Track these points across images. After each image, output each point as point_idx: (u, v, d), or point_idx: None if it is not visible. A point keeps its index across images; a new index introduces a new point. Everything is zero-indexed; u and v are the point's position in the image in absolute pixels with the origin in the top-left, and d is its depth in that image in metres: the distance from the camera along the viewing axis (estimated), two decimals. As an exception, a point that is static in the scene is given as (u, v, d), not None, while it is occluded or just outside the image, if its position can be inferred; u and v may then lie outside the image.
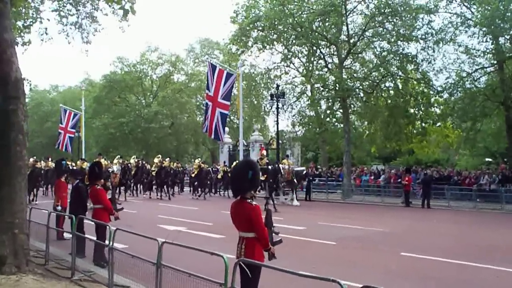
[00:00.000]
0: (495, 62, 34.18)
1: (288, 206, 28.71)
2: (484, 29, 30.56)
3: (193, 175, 36.65)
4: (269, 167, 28.08)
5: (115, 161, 31.37)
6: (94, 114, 62.94)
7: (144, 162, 38.55)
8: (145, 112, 62.21)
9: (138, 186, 37.67)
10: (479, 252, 13.99)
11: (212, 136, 26.97)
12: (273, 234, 6.87)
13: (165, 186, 34.62)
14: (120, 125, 60.76)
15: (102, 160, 27.67)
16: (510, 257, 13.15)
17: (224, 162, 40.85)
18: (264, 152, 29.70)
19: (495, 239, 16.95)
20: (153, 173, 35.25)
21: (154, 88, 68.12)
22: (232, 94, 40.21)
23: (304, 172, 33.47)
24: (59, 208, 14.70)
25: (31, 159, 29.45)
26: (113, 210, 11.81)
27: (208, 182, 36.98)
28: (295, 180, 30.30)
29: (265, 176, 25.52)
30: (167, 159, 37.83)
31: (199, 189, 35.69)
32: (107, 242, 9.17)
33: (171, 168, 35.94)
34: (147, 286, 8.03)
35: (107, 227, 9.45)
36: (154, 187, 36.05)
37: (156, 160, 36.08)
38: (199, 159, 39.97)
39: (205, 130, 26.89)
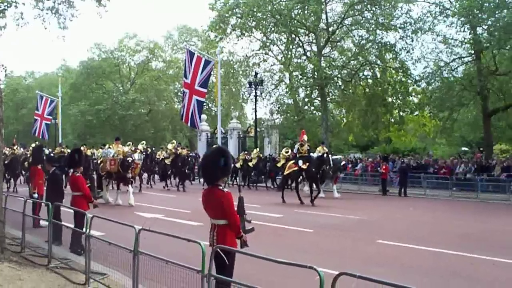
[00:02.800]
0: (473, 52, 34.46)
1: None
2: (462, 19, 30.78)
3: (168, 161, 33.18)
4: (312, 154, 25.14)
5: (140, 147, 28.23)
6: (71, 100, 62.46)
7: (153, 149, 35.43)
8: (123, 99, 61.88)
9: (149, 176, 35.07)
10: (455, 239, 14.10)
11: (189, 124, 26.77)
12: (245, 222, 6.85)
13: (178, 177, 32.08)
14: (97, 112, 60.39)
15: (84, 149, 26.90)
16: (484, 244, 13.29)
17: (245, 151, 38.53)
18: (305, 137, 26.10)
19: (470, 227, 17.12)
20: (167, 161, 32.66)
21: (131, 75, 67.72)
22: (210, 81, 40.11)
23: (343, 163, 30.96)
24: (35, 195, 14.54)
25: (7, 148, 29.04)
26: (92, 198, 11.72)
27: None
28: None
29: (307, 164, 23.54)
30: (179, 145, 34.68)
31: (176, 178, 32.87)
32: (84, 229, 9.09)
33: (189, 156, 33.07)
34: (124, 273, 7.96)
35: (85, 214, 9.37)
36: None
37: (170, 146, 33.96)
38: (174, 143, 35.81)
39: (181, 118, 26.66)
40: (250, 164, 34.40)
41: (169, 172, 33.06)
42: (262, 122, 46.68)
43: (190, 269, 6.04)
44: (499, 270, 10.39)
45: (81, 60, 66.32)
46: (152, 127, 64.04)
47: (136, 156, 25.38)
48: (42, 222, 12.96)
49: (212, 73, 29.89)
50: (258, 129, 41.08)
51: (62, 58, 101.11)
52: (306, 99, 41.47)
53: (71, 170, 12.11)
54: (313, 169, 23.42)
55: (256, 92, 38.12)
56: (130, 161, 23.35)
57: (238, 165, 34.02)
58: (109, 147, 26.04)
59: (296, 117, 42.00)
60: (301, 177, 24.63)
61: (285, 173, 25.11)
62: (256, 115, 39.82)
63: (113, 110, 61.01)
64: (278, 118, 46.37)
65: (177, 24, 71.58)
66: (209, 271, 5.75)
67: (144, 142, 31.17)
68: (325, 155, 24.14)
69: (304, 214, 19.78)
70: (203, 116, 48.93)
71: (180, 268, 6.23)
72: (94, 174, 22.22)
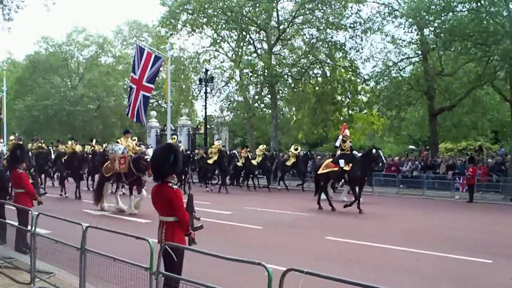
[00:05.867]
0: (420, 52, 35.11)
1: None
2: (410, 20, 31.23)
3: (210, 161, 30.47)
4: (355, 152, 21.93)
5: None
6: (16, 95, 60.84)
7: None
8: (71, 95, 60.64)
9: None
10: (402, 235, 14.35)
11: (134, 119, 26.36)
12: (194, 219, 6.83)
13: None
14: (44, 107, 58.99)
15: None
16: (429, 240, 13.56)
17: (247, 147, 35.69)
18: (347, 131, 22.54)
19: (416, 223, 17.44)
20: (210, 161, 30.26)
21: (80, 70, 66.40)
22: (160, 78, 39.81)
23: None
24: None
25: None
26: (36, 194, 11.47)
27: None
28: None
29: (350, 165, 20.02)
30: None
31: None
32: (29, 227, 8.90)
33: (234, 154, 31.71)
34: (71, 272, 7.84)
35: (30, 212, 9.17)
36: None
37: (216, 143, 31.76)
38: (219, 141, 33.85)
39: (127, 114, 26.28)
40: (254, 162, 31.94)
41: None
42: (212, 119, 46.62)
43: (138, 267, 5.98)
44: (443, 265, 10.62)
45: (28, 53, 64.76)
46: (101, 123, 63.11)
47: (150, 152, 20.58)
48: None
49: (162, 69, 29.55)
50: (208, 126, 41.02)
51: (7, 51, 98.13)
52: (256, 97, 41.58)
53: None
54: (359, 172, 19.87)
55: (206, 89, 38.04)
56: (147, 159, 18.45)
57: (239, 163, 31.72)
58: (117, 142, 21.29)
59: (246, 115, 42.01)
60: (342, 179, 21.36)
61: (319, 172, 21.43)
62: (206, 112, 39.79)
63: (61, 105, 59.72)
64: (228, 115, 46.42)
65: (127, 19, 70.70)
66: (158, 268, 5.71)
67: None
68: (374, 150, 20.19)
69: (253, 211, 19.83)
70: (153, 113, 48.61)
71: (128, 265, 6.17)
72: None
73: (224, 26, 39.42)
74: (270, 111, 41.89)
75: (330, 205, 20.25)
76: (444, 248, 12.12)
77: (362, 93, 42.15)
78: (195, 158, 30.82)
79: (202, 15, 38.75)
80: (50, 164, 28.52)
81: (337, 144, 21.49)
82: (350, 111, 41.42)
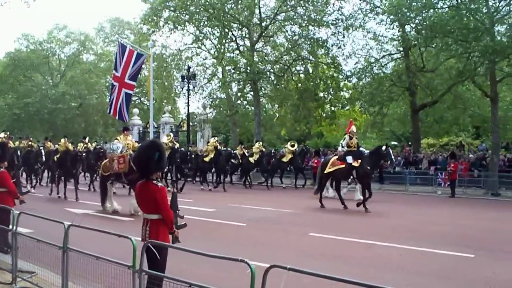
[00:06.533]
0: (401, 49, 35.37)
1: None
2: (391, 17, 31.36)
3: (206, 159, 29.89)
4: (362, 149, 21.34)
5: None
6: (-3, 93, 60.48)
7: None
8: (52, 93, 60.24)
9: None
10: (385, 231, 14.42)
11: (117, 117, 26.12)
12: (178, 217, 6.81)
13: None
14: (25, 105, 58.52)
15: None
16: (413, 235, 13.65)
17: (242, 144, 34.96)
18: (354, 128, 21.43)
19: (399, 218, 17.54)
20: (207, 158, 29.57)
21: (62, 68, 65.92)
22: (143, 75, 39.59)
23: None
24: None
25: None
26: (18, 193, 11.36)
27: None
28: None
29: (359, 161, 19.42)
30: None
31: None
32: (10, 226, 8.82)
33: (235, 154, 30.82)
34: (54, 271, 7.78)
35: (11, 211, 9.08)
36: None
37: (212, 140, 31.29)
38: (215, 138, 33.18)
39: (109, 111, 26.03)
40: (251, 159, 31.66)
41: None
42: (195, 117, 46.45)
43: (121, 265, 5.95)
44: (426, 260, 10.71)
45: (8, 51, 64.09)
46: (83, 121, 62.67)
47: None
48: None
49: (144, 66, 29.43)
50: (190, 124, 40.88)
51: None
52: (239, 94, 41.57)
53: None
54: (368, 168, 19.43)
55: (188, 86, 37.90)
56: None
57: (236, 161, 30.95)
58: (116, 140, 20.42)
59: (228, 112, 41.99)
60: (351, 177, 20.72)
61: (326, 171, 20.55)
62: (188, 109, 39.66)
63: (42, 103, 59.29)
64: (210, 112, 46.27)
65: (109, 16, 70.28)
66: (140, 266, 5.69)
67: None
68: (383, 147, 19.74)
69: (237, 209, 19.82)
70: (135, 110, 48.36)
71: (111, 264, 6.14)
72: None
73: (206, 23, 39.33)
74: (253, 108, 41.92)
75: (342, 203, 19.89)
76: (427, 243, 12.21)
77: (345, 89, 42.40)
78: (192, 155, 29.93)
79: (184, 12, 38.64)
80: (40, 163, 27.53)
81: (344, 143, 20.58)
82: (332, 108, 41.63)
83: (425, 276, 9.45)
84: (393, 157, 20.45)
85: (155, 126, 40.64)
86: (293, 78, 41.03)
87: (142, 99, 61.16)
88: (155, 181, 6.56)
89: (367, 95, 35.97)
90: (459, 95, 35.27)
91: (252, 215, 17.59)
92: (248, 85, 39.84)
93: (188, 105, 38.74)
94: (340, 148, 21.31)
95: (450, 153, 28.64)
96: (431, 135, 44.06)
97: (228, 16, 38.12)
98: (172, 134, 31.11)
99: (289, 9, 38.12)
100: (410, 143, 40.45)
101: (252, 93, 41.00)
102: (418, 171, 31.14)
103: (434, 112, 38.01)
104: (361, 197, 20.10)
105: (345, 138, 20.74)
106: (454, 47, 29.44)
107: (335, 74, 39.79)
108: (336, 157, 20.65)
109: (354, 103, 40.18)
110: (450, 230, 14.78)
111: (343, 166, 19.68)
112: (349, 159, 19.42)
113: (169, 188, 12.56)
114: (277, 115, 48.83)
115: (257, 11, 38.46)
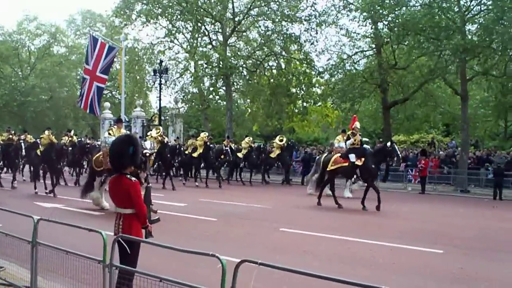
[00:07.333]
0: (374, 46, 35.53)
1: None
2: (364, 14, 31.48)
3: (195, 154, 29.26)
4: (366, 146, 20.06)
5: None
6: (-36, 85, 59.41)
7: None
8: (22, 85, 59.36)
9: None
10: (355, 227, 14.53)
11: (88, 110, 25.78)
12: (151, 212, 6.77)
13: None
14: (-6, 98, 57.71)
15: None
16: (383, 231, 13.77)
17: (228, 138, 33.18)
18: (358, 124, 20.32)
19: (369, 214, 17.67)
20: (195, 154, 28.94)
21: (32, 60, 64.92)
22: (114, 68, 39.27)
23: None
24: None
25: None
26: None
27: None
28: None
29: (362, 159, 18.67)
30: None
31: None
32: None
33: (227, 151, 29.23)
34: (23, 266, 7.69)
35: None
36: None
37: (202, 135, 29.94)
38: (205, 133, 31.65)
39: (80, 105, 25.69)
40: (240, 154, 30.90)
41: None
42: (167, 111, 46.28)
43: (91, 259, 5.90)
44: (395, 255, 10.80)
45: (-24, 42, 63.06)
46: (53, 114, 61.82)
47: (148, 145, 19.39)
48: None
49: (116, 60, 29.14)
50: (162, 118, 40.67)
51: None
52: (211, 88, 41.43)
53: None
54: (373, 166, 18.77)
55: (160, 80, 37.68)
56: (146, 154, 17.12)
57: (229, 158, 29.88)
58: (109, 133, 17.92)
59: (200, 106, 41.92)
60: (354, 175, 20.02)
61: (328, 169, 19.67)
62: (160, 104, 39.48)
63: (12, 96, 58.39)
64: (182, 107, 46.06)
65: (80, 8, 69.50)
66: (111, 261, 5.64)
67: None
68: (388, 144, 19.07)
69: (208, 203, 19.80)
70: (107, 104, 47.88)
71: (81, 258, 6.08)
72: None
73: (179, 17, 39.16)
74: (225, 103, 41.88)
75: (336, 202, 19.23)
76: (397, 239, 12.36)
77: (317, 85, 42.45)
78: (181, 149, 29.12)
79: (157, 5, 38.44)
80: (20, 157, 26.17)
81: (349, 142, 19.18)
82: (304, 104, 41.70)
83: (395, 271, 9.51)
84: (399, 153, 19.66)
85: (127, 120, 40.32)
86: (266, 73, 41.03)
87: (113, 92, 60.69)
88: (128, 175, 6.50)
89: (339, 92, 36.06)
90: (430, 93, 35.58)
91: (222, 210, 17.59)
92: (221, 80, 39.77)
93: (160, 99, 38.59)
94: (336, 145, 21.13)
95: (420, 150, 29.00)
96: (402, 132, 44.39)
97: (201, 10, 37.98)
98: (161, 128, 29.65)
99: (263, 4, 38.10)
100: (381, 139, 40.67)
101: (224, 88, 40.95)
102: (388, 168, 31.38)
103: (405, 109, 38.34)
104: (350, 195, 20.73)
105: (350, 139, 19.31)
106: (426, 45, 29.74)
107: (307, 70, 39.85)
108: (339, 154, 19.78)
109: (326, 99, 40.25)
110: (420, 226, 14.93)
111: (346, 164, 18.94)
112: (352, 157, 18.68)
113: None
114: (249, 110, 48.74)
115: (230, 5, 38.43)
